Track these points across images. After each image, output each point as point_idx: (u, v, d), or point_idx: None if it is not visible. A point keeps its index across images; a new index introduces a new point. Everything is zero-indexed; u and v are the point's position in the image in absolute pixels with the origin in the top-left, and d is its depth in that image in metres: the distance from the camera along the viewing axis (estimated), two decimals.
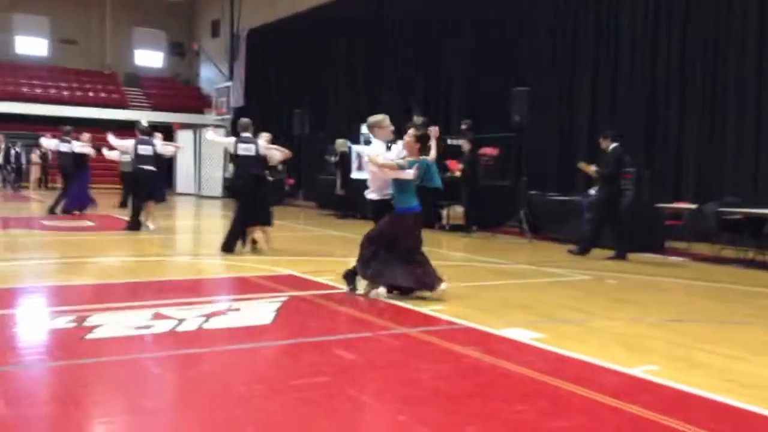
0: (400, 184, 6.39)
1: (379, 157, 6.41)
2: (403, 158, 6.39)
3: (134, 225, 11.93)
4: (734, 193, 11.13)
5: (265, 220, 9.61)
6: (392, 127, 6.68)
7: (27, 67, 31.58)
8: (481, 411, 3.55)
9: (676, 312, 6.41)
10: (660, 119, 13.39)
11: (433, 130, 6.49)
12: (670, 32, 13.25)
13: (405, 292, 6.44)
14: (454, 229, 13.26)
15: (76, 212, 14.74)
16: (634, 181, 11.07)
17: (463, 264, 9.57)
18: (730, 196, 10.79)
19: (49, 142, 15.91)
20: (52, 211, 14.63)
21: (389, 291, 6.49)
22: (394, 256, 6.33)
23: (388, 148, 6.64)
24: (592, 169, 10.22)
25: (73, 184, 14.84)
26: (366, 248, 6.43)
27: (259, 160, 9.50)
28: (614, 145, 10.05)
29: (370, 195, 6.67)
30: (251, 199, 9.41)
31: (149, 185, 12.06)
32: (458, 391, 3.85)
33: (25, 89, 29.99)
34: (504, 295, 6.87)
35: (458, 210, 13.47)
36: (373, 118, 6.76)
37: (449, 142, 14.69)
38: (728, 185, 12.03)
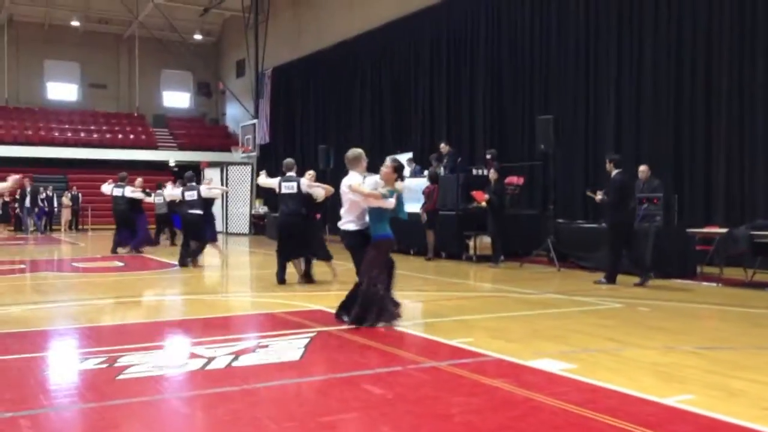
0: (379, 213, 6.66)
1: (363, 186, 6.66)
2: (382, 188, 6.70)
3: (183, 262, 12.71)
4: (766, 216, 10.96)
5: (325, 256, 10.21)
6: (367, 161, 7.10)
7: (58, 112, 32.39)
8: None
9: (710, 339, 6.28)
10: (687, 142, 13.26)
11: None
12: (694, 54, 13.17)
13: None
14: (482, 259, 13.20)
15: (141, 251, 15.69)
16: (662, 206, 10.94)
17: (492, 295, 9.50)
18: (762, 219, 10.62)
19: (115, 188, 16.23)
20: (114, 251, 15.63)
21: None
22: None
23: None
24: (598, 197, 10.29)
25: (138, 226, 15.87)
26: (376, 289, 6.57)
27: (302, 198, 9.93)
28: (616, 171, 10.02)
29: (347, 226, 6.90)
30: (290, 234, 9.98)
31: (200, 227, 12.62)
32: (491, 425, 3.79)
33: (56, 133, 30.72)
34: (534, 326, 6.79)
35: (485, 240, 13.42)
36: (353, 153, 7.03)
37: (474, 172, 14.74)
38: (760, 208, 11.84)
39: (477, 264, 13.04)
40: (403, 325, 6.73)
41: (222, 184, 24.89)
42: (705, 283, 10.05)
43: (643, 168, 11.81)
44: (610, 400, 4.25)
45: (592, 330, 6.59)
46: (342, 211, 6.94)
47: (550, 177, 14.17)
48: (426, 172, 14.84)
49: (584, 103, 15.14)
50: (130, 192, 15.81)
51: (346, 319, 6.75)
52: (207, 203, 12.95)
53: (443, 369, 5.02)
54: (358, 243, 6.80)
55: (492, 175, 12.93)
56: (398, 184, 6.74)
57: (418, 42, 20.39)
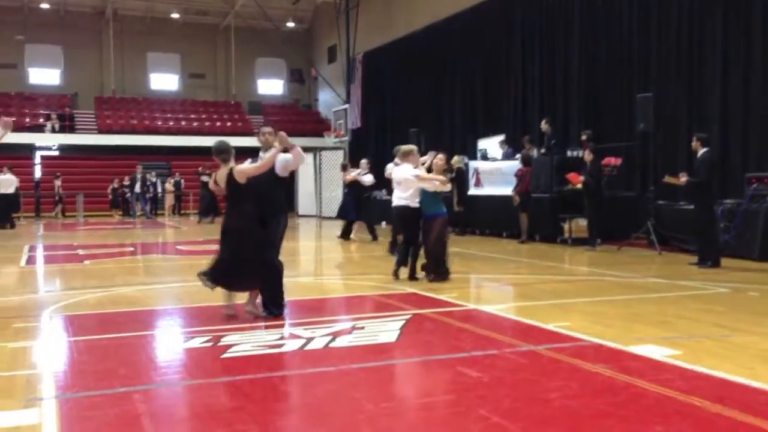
0: (435, 195, 8.52)
1: (424, 174, 8.67)
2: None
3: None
4: None
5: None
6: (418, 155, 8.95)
7: (161, 102, 33.79)
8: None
9: None
10: None
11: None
12: None
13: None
14: (577, 242, 12.89)
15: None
16: None
17: (589, 278, 9.27)
18: None
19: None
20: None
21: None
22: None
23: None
24: (682, 180, 9.75)
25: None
26: (444, 248, 8.57)
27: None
28: (703, 150, 9.51)
29: (404, 202, 8.64)
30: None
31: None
32: (591, 411, 3.71)
33: (159, 122, 32.06)
34: (634, 311, 6.58)
35: (581, 223, 13.08)
36: (408, 148, 8.91)
37: (569, 153, 14.37)
38: None
39: (572, 247, 12.75)
40: (498, 309, 6.68)
41: (315, 170, 25.41)
42: None
43: None
44: (719, 387, 4.08)
45: (698, 315, 6.33)
46: (398, 193, 8.73)
47: (649, 157, 13.65)
48: (518, 155, 14.60)
49: (687, 81, 14.40)
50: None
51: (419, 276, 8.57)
52: (353, 187, 14.70)
53: (540, 353, 4.95)
54: (410, 216, 8.62)
55: (587, 156, 12.57)
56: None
57: (510, 22, 19.99)
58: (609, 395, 3.99)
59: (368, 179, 14.61)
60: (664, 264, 10.41)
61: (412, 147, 8.99)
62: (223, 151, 6.35)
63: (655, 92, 13.10)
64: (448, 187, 8.74)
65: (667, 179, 10.34)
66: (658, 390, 3.99)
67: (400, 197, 8.67)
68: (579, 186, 12.52)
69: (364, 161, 15.15)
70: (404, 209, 8.63)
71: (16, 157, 25.88)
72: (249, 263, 6.20)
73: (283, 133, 6.54)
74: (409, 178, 8.51)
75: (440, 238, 8.48)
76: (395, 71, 26.32)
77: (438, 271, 8.54)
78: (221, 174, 6.35)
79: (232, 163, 6.33)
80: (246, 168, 6.36)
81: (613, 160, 13.68)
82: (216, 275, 6.24)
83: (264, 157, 6.62)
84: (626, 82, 15.71)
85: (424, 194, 8.49)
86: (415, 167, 8.73)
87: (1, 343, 5.41)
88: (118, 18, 32.88)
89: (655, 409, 3.73)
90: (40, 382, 4.37)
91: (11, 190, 20.83)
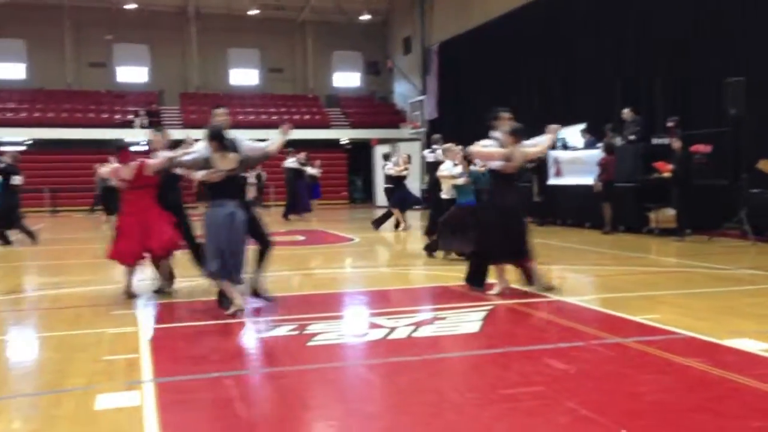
0: (463, 187, 9.37)
1: (452, 172, 9.66)
2: (460, 173, 9.42)
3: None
4: None
5: None
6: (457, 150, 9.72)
7: (241, 96, 34.59)
8: (712, 427, 3.31)
9: None
10: None
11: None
12: None
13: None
14: (664, 233, 12.48)
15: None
16: None
17: (677, 270, 8.97)
18: None
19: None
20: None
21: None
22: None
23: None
24: None
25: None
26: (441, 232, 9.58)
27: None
28: None
29: (445, 196, 9.95)
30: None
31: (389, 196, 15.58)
32: (684, 405, 3.61)
33: (240, 116, 32.82)
34: (727, 303, 6.33)
35: (668, 213, 12.65)
36: (448, 146, 10.13)
37: (654, 141, 13.91)
38: None
39: (659, 237, 12.36)
40: (582, 300, 6.56)
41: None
42: None
43: None
44: None
45: None
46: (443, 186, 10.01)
47: (741, 144, 13.06)
48: (600, 144, 14.23)
49: None
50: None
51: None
52: (394, 177, 15.26)
53: (629, 345, 4.84)
54: (447, 207, 9.69)
55: (675, 144, 12.14)
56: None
57: (589, 6, 19.48)
58: (702, 389, 3.87)
59: (390, 171, 15.36)
60: (758, 255, 9.97)
61: (449, 145, 10.21)
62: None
63: (745, 75, 12.52)
64: (461, 181, 9.37)
65: (762, 165, 9.85)
66: (757, 385, 3.84)
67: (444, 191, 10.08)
68: (667, 174, 12.11)
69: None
70: (444, 201, 9.96)
71: (108, 152, 27.01)
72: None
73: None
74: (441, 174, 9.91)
75: (447, 221, 9.39)
76: (471, 60, 26.07)
77: (429, 246, 10.14)
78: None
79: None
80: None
81: (702, 148, 13.14)
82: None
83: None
84: (715, 65, 15.06)
85: (455, 187, 9.56)
86: (455, 164, 9.57)
87: (102, 329, 5.69)
88: (200, 16, 33.80)
89: (753, 404, 3.60)
90: (139, 366, 4.57)
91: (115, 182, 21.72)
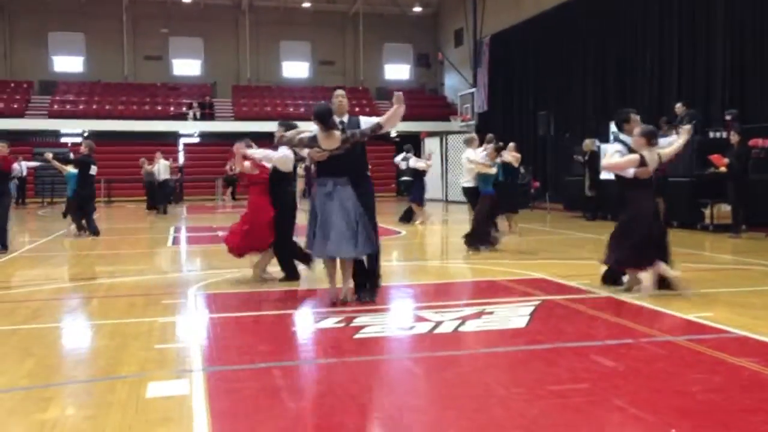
0: (485, 176, 10.21)
1: (478, 159, 10.46)
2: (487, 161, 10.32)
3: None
4: None
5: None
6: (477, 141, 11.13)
7: (292, 89, 34.90)
8: (766, 430, 3.22)
9: None
10: None
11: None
12: None
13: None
14: (719, 229, 12.16)
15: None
16: None
17: (733, 267, 8.74)
18: None
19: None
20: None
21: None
22: None
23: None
24: None
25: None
26: (480, 223, 10.17)
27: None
28: None
29: (466, 183, 10.93)
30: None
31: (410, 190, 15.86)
32: (737, 406, 3.52)
33: (291, 109, 33.14)
34: None
35: (723, 208, 12.30)
36: (470, 136, 11.33)
37: (711, 135, 13.55)
38: None
39: (714, 234, 12.04)
40: (632, 297, 6.44)
41: (442, 154, 25.47)
42: None
43: None
44: None
45: None
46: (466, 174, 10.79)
47: None
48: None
49: None
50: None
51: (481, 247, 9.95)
52: (415, 171, 15.47)
53: (679, 344, 4.74)
54: (472, 194, 10.66)
55: (733, 137, 11.80)
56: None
57: None
58: (757, 390, 3.77)
59: (420, 165, 15.59)
60: None
61: (472, 135, 11.60)
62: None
63: None
64: (492, 170, 10.27)
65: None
66: None
67: (465, 179, 10.99)
68: (723, 169, 11.78)
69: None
70: (465, 189, 11.02)
71: (162, 144, 27.56)
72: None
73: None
74: (463, 162, 10.72)
75: (481, 212, 10.03)
76: (523, 53, 25.76)
77: (470, 241, 9.98)
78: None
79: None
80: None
81: (761, 142, 12.74)
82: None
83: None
84: None
85: (478, 175, 10.33)
86: (484, 150, 10.71)
87: (153, 318, 5.84)
88: (254, 9, 34.19)
89: None
90: (189, 355, 4.68)
91: (167, 176, 21.80)
